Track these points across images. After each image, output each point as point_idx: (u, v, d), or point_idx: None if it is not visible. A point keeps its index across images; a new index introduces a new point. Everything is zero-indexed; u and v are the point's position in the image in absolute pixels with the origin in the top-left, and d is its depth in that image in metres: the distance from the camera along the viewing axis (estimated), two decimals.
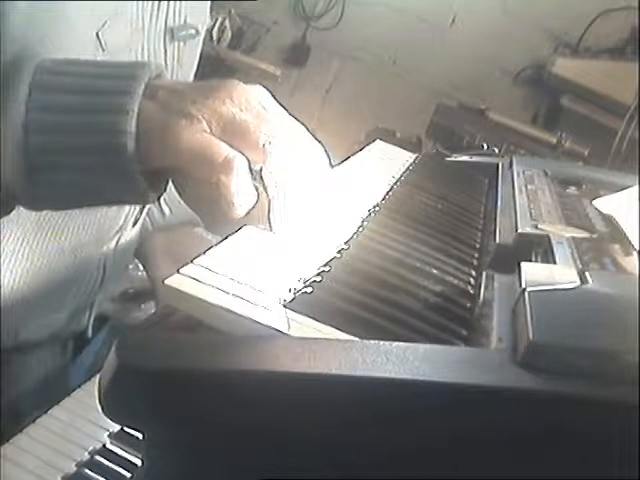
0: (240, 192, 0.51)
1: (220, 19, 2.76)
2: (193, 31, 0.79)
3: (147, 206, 0.87)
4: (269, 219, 0.54)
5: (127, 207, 0.81)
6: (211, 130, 0.51)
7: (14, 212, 0.62)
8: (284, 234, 0.54)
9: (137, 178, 0.53)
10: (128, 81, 0.53)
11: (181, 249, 0.91)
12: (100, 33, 0.67)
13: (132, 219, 0.85)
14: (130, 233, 0.87)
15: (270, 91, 0.55)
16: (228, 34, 2.83)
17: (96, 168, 0.53)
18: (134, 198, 0.57)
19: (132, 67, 0.55)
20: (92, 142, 0.53)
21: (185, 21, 0.77)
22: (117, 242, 0.85)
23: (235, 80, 0.54)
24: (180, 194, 0.56)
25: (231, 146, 0.51)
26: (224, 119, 0.51)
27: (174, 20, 0.76)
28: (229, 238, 0.53)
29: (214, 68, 2.61)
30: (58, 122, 0.53)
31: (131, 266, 1.09)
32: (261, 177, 0.53)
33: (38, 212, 0.71)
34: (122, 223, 0.83)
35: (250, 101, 0.53)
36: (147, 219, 0.92)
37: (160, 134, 0.52)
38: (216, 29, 2.78)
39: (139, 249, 0.92)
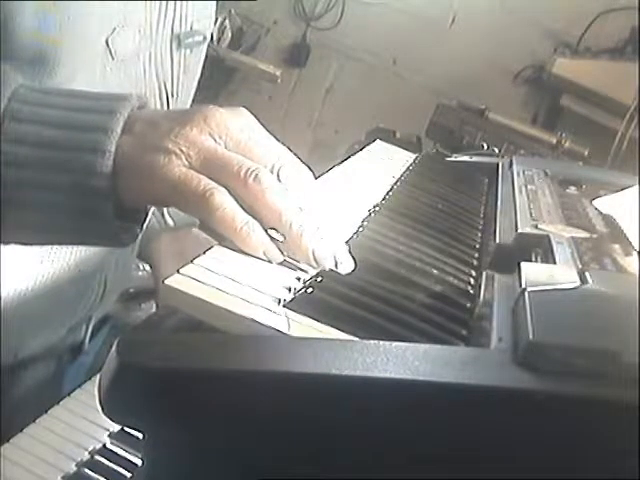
0: (237, 219, 0.48)
1: (220, 19, 2.76)
2: (200, 37, 0.77)
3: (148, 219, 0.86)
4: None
5: None
6: (190, 163, 0.49)
7: None
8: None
9: (109, 221, 0.51)
10: (107, 116, 0.50)
11: (188, 249, 0.90)
12: (110, 40, 0.65)
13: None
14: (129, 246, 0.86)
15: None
16: (228, 34, 2.83)
17: (67, 207, 0.50)
18: (105, 241, 0.54)
19: (113, 100, 0.52)
20: (64, 180, 0.50)
21: (191, 27, 0.76)
22: (117, 257, 0.84)
23: (214, 107, 0.52)
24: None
25: (211, 178, 0.49)
26: (203, 151, 0.49)
27: (180, 26, 0.74)
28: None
29: (214, 68, 2.61)
30: (31, 156, 0.50)
31: (132, 266, 1.09)
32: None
33: None
34: None
35: (230, 127, 0.50)
36: (154, 219, 0.91)
37: (137, 171, 0.49)
38: (216, 29, 2.78)
39: (145, 249, 0.91)
